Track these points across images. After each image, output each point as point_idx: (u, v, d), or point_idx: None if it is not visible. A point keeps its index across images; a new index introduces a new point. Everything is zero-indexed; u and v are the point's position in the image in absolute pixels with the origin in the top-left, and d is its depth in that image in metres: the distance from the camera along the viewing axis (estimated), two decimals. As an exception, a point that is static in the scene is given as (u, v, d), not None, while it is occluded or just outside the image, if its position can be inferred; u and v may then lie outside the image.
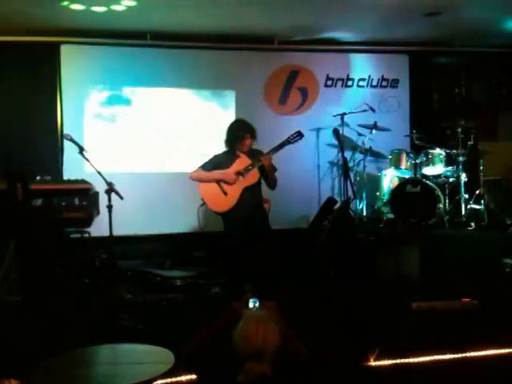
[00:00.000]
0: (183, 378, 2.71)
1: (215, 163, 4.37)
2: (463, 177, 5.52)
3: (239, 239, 4.26)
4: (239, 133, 4.31)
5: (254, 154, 4.37)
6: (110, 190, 3.77)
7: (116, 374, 2.25)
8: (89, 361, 2.47)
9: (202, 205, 4.45)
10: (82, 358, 2.46)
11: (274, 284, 4.14)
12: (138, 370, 2.24)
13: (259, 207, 4.45)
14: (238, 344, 2.00)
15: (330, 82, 6.48)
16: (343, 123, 5.96)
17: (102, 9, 5.15)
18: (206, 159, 4.45)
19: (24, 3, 4.97)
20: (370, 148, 5.97)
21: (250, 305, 2.24)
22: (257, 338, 1.98)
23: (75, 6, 5.05)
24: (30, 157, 5.56)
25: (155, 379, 2.13)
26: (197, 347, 2.27)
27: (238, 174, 4.30)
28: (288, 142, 4.36)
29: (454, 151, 5.56)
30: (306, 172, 6.32)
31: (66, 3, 4.96)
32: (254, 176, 4.31)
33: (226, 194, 4.30)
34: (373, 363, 3.11)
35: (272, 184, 4.41)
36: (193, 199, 4.58)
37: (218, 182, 4.33)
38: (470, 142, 5.64)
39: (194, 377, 2.60)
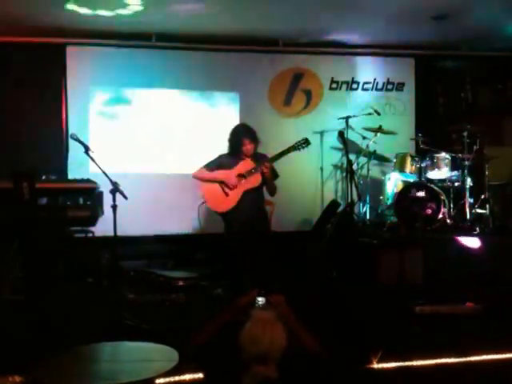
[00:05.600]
0: (187, 376, 2.71)
1: (219, 163, 4.40)
2: (468, 181, 5.50)
3: (239, 241, 4.27)
4: (239, 138, 4.34)
5: (258, 159, 4.38)
6: (115, 189, 3.78)
7: (120, 371, 2.24)
8: (93, 358, 2.47)
9: (202, 203, 4.47)
10: (85, 355, 2.46)
11: (275, 286, 4.15)
12: (142, 367, 2.24)
13: (260, 210, 4.45)
14: (245, 346, 2.00)
15: (334, 85, 6.48)
16: (348, 126, 5.96)
17: (107, 13, 5.18)
18: (211, 159, 4.47)
19: (30, 5, 5.01)
20: (375, 151, 5.96)
21: (258, 300, 2.23)
22: (264, 341, 1.98)
23: (82, 10, 5.08)
24: (35, 156, 5.59)
25: (159, 377, 2.13)
26: (200, 341, 2.27)
27: (240, 176, 4.32)
28: (294, 148, 4.38)
29: (460, 155, 5.55)
30: (310, 175, 6.32)
31: (71, 7, 4.99)
32: (256, 179, 4.32)
33: (226, 195, 4.33)
34: (375, 366, 3.11)
35: (271, 191, 4.44)
36: (197, 201, 4.59)
37: (219, 182, 4.36)
38: (476, 147, 5.62)
39: (197, 376, 2.61)
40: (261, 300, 2.24)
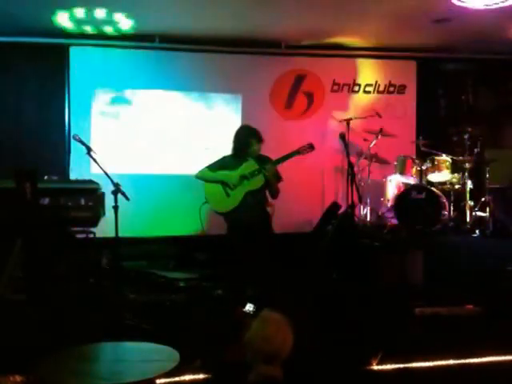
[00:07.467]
0: (187, 377, 2.72)
1: (222, 164, 4.44)
2: (469, 184, 5.51)
3: (240, 241, 4.29)
4: (247, 140, 4.37)
5: (262, 160, 4.41)
6: (117, 190, 3.79)
7: (121, 370, 2.25)
8: (94, 357, 2.48)
9: (204, 202, 4.50)
10: (86, 355, 2.47)
11: (275, 287, 4.16)
12: (143, 367, 2.25)
13: (262, 211, 4.48)
14: (256, 345, 1.98)
15: (336, 87, 6.49)
16: (349, 128, 5.96)
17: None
18: (213, 160, 4.49)
19: (34, 5, 5.02)
20: (376, 154, 5.97)
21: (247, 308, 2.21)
22: (277, 340, 1.97)
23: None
24: (37, 156, 5.60)
25: (160, 377, 2.14)
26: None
27: (243, 177, 4.34)
28: (298, 152, 4.42)
29: (460, 158, 5.56)
30: (310, 176, 6.32)
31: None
32: (258, 181, 4.36)
33: (228, 195, 4.36)
34: (375, 367, 3.12)
35: (273, 194, 4.46)
36: (197, 201, 4.60)
37: (221, 183, 4.38)
38: (477, 149, 5.63)
39: (197, 376, 2.61)
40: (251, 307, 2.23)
